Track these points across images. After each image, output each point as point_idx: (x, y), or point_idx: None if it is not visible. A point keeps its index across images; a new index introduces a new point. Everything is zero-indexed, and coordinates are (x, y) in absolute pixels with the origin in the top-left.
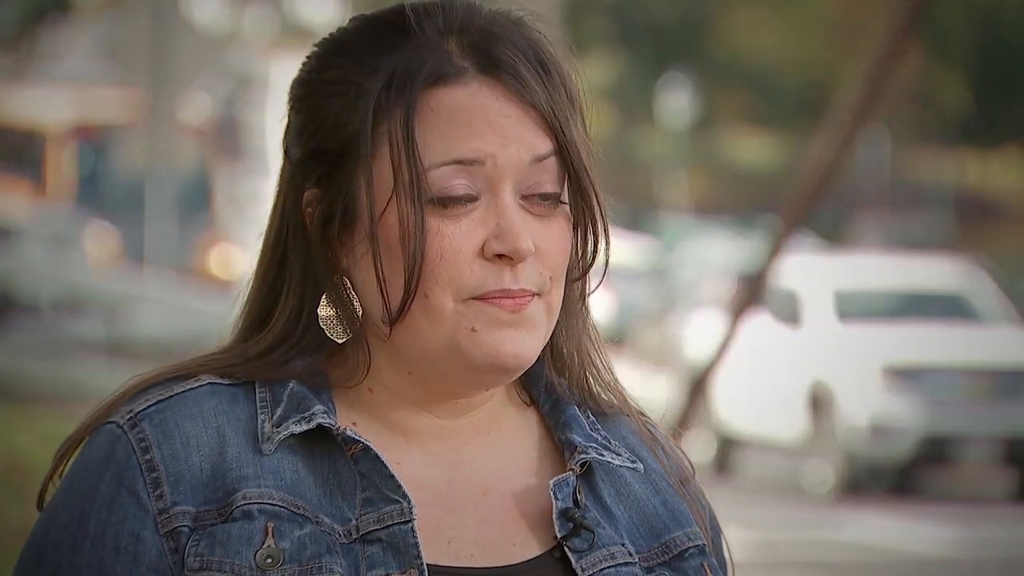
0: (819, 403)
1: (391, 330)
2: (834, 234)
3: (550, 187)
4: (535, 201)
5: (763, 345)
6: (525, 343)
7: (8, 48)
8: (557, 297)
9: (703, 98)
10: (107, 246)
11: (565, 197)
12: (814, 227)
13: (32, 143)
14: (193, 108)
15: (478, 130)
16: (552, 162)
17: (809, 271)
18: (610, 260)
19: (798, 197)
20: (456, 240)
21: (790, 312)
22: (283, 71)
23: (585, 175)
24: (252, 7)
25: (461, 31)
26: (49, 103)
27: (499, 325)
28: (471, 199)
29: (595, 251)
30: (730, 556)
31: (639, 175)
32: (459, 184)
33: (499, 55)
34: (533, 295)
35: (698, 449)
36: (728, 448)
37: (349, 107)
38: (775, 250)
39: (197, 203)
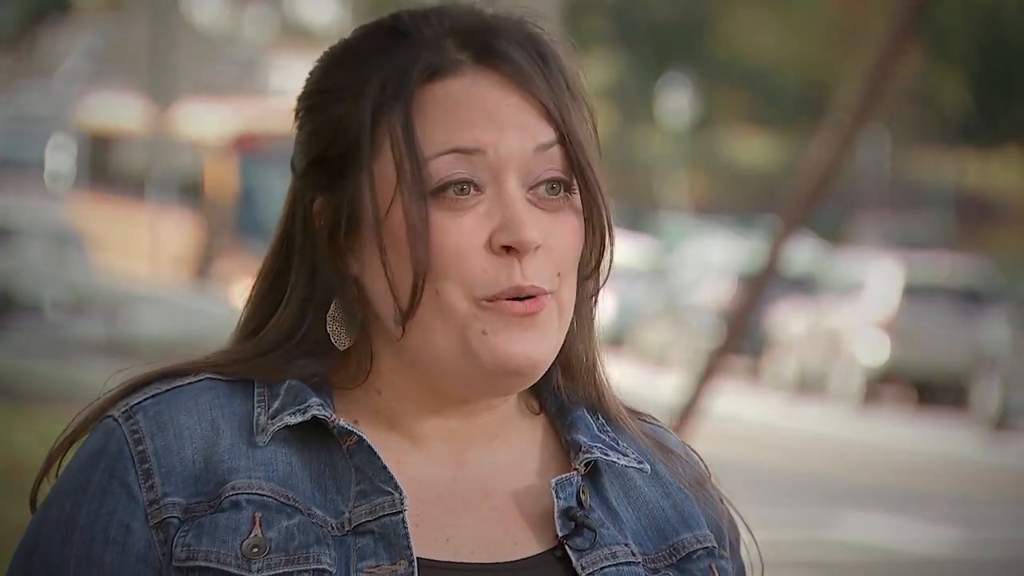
0: None
1: (403, 330)
2: (834, 234)
3: (556, 174)
4: (542, 194)
5: None
6: (538, 346)
7: (8, 48)
8: (568, 295)
9: (703, 98)
10: None
11: (575, 187)
12: (814, 227)
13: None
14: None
15: (476, 120)
16: (556, 152)
17: None
18: (613, 260)
19: (798, 197)
20: (463, 234)
21: None
22: (282, 71)
23: (589, 168)
24: (252, 7)
25: (457, 30)
26: (205, 114)
27: (508, 328)
28: (475, 189)
29: (602, 248)
30: (750, 560)
31: (639, 175)
32: (460, 172)
33: (496, 45)
34: (546, 293)
35: None
36: None
37: (349, 111)
38: (775, 250)
39: None
